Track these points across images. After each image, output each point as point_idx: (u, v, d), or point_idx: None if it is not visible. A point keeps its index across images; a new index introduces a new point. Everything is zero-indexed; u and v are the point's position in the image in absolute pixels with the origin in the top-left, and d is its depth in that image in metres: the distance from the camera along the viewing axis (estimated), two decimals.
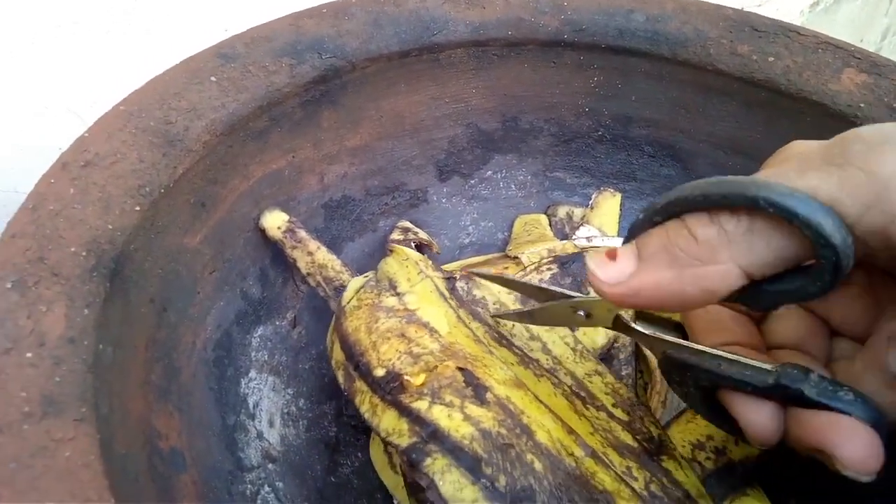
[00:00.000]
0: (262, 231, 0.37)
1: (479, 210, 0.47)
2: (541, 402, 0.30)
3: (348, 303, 0.33)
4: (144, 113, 0.33)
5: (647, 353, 0.37)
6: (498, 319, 0.33)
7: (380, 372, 0.29)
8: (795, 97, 0.38)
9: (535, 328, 0.33)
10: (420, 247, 0.42)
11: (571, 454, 0.28)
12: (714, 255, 0.21)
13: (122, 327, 0.28)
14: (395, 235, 0.42)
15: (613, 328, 0.28)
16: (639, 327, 0.28)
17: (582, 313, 0.29)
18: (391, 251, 0.36)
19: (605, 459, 0.28)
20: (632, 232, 0.24)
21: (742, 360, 0.24)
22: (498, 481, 0.26)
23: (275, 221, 0.37)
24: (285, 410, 0.36)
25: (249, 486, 0.32)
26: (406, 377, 0.29)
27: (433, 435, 0.27)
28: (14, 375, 0.23)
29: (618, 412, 0.30)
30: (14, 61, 0.41)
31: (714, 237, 0.21)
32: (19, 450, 0.21)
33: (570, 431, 0.29)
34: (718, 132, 0.43)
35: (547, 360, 0.32)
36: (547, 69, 0.44)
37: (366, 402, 0.29)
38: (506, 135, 0.46)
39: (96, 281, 0.27)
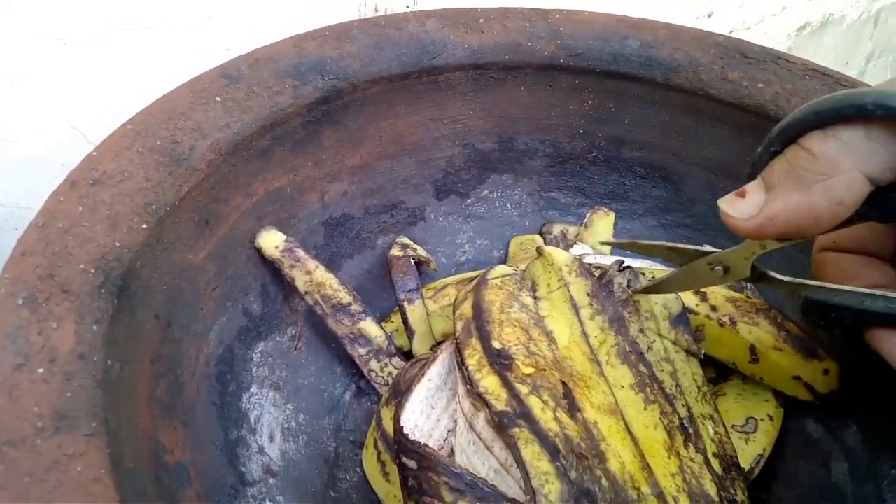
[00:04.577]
0: (259, 250, 0.38)
1: (475, 228, 0.48)
2: (630, 433, 0.30)
3: (493, 279, 0.35)
4: (151, 132, 0.33)
5: None
6: (641, 327, 0.34)
7: (497, 345, 0.31)
8: None
9: (672, 354, 0.33)
10: (418, 264, 0.43)
11: (637, 488, 0.28)
12: (836, 167, 0.22)
13: (129, 343, 0.28)
14: (395, 251, 0.42)
15: (751, 279, 0.29)
16: (777, 275, 0.28)
17: (720, 268, 0.29)
18: (540, 253, 0.36)
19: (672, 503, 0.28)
20: (754, 168, 0.25)
21: (886, 293, 0.25)
22: (570, 472, 0.27)
23: (272, 241, 0.38)
24: (285, 425, 0.37)
25: (251, 500, 0.32)
26: (517, 362, 0.30)
27: (525, 415, 0.28)
28: (27, 391, 0.23)
29: (715, 463, 0.30)
30: (16, 77, 0.42)
31: (833, 149, 0.22)
32: (33, 464, 0.22)
33: (645, 468, 0.29)
34: (709, 155, 0.44)
35: (671, 386, 0.32)
36: (543, 92, 0.45)
37: (475, 357, 0.30)
38: (502, 155, 0.47)
39: (104, 297, 0.27)
